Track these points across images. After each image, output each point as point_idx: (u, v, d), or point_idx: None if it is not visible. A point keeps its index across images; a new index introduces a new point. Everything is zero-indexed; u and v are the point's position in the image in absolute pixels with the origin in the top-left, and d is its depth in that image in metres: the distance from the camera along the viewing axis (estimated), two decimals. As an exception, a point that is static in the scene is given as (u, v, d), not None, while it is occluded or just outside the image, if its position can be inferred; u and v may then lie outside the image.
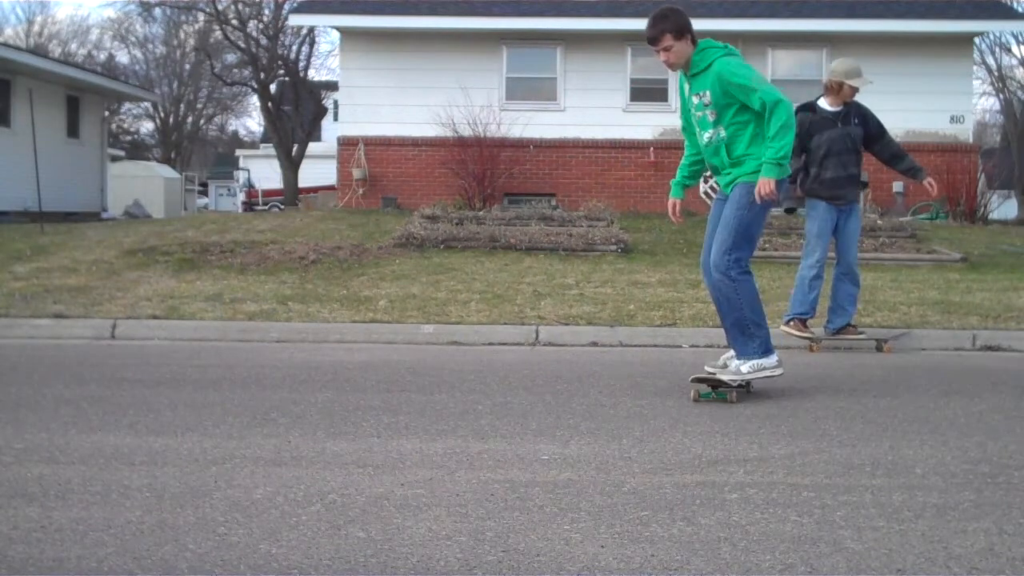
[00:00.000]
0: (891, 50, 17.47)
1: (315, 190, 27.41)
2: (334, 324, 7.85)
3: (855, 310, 7.44)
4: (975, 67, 28.17)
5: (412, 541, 3.10)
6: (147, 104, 40.83)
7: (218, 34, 34.94)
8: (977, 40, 23.72)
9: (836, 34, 17.68)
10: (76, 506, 3.42)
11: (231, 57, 36.28)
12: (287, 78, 32.49)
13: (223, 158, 48.84)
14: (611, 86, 17.95)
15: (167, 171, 25.44)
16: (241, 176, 38.55)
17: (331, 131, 28.98)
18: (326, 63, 56.37)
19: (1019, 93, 37.98)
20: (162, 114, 44.13)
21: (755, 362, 5.33)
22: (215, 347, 7.33)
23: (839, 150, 7.21)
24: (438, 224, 13.12)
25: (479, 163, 16.84)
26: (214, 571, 2.86)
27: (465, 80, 17.23)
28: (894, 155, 7.46)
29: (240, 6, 31.49)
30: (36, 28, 44.52)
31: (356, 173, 18.03)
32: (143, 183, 22.61)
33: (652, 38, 5.28)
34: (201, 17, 36.15)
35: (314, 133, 33.77)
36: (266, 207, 32.30)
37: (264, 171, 37.55)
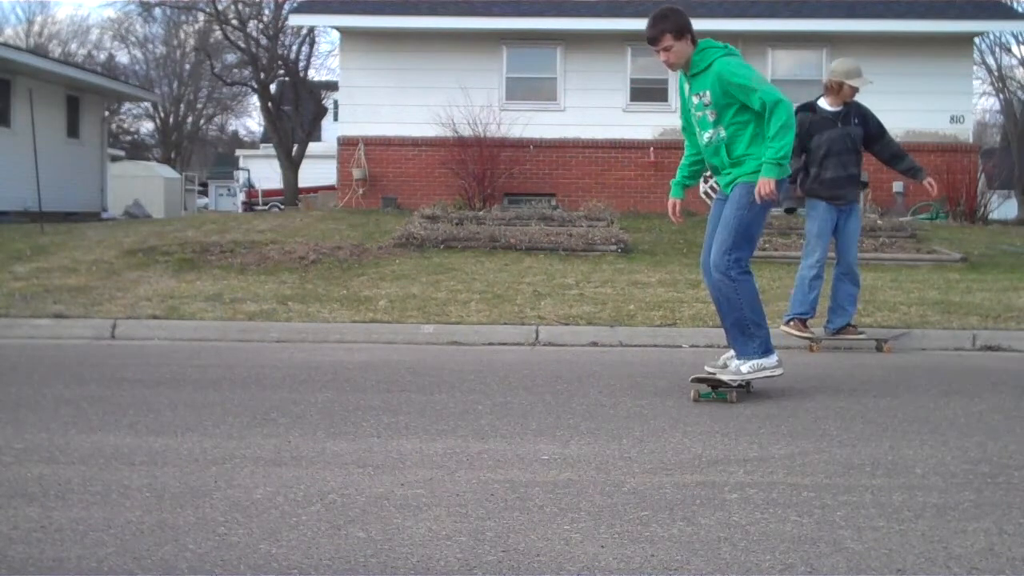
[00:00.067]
0: (891, 50, 17.47)
1: (315, 190, 27.41)
2: (334, 324, 7.85)
3: (855, 310, 7.44)
4: (975, 67, 28.19)
5: (412, 541, 3.10)
6: (147, 104, 40.84)
7: (218, 34, 34.97)
8: (977, 40, 23.73)
9: (836, 34, 17.68)
10: (76, 506, 3.42)
11: (231, 57, 36.31)
12: (287, 78, 32.49)
13: (223, 158, 48.85)
14: (611, 86, 17.95)
15: (167, 171, 25.45)
16: (241, 176, 38.55)
17: (331, 131, 28.99)
18: (326, 63, 56.43)
19: (1019, 93, 37.99)
20: (162, 114, 44.14)
21: (755, 362, 5.33)
22: (215, 347, 7.33)
23: (839, 150, 7.21)
24: (438, 224, 13.12)
25: (479, 163, 16.84)
26: (214, 571, 2.86)
27: (465, 80, 17.23)
28: (894, 155, 7.46)
29: (240, 6, 31.51)
30: (36, 28, 44.59)
31: (356, 173, 18.03)
32: (143, 183, 22.61)
33: (652, 38, 5.27)
34: (201, 17, 36.20)
35: (314, 133, 33.78)
36: (266, 207, 32.30)
37: (264, 171, 37.55)
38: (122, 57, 45.33)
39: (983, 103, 46.67)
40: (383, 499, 3.52)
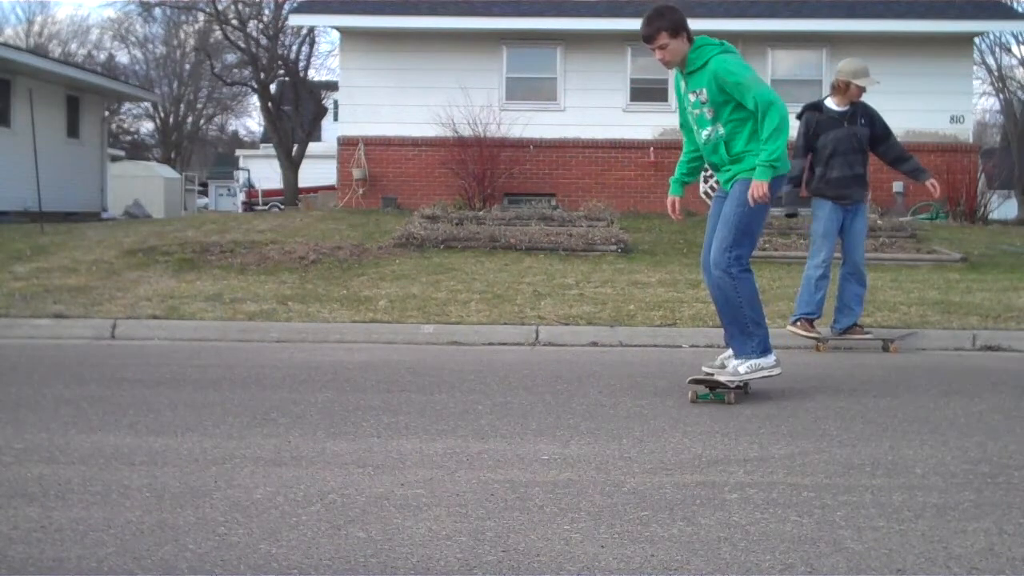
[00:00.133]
0: (891, 50, 17.46)
1: (315, 190, 27.41)
2: (334, 324, 7.85)
3: (862, 310, 7.42)
4: (975, 67, 28.19)
5: (412, 541, 3.10)
6: (147, 104, 40.85)
7: (218, 34, 34.97)
8: (977, 40, 23.73)
9: (836, 34, 17.68)
10: (76, 506, 3.42)
11: (231, 57, 36.31)
12: (287, 78, 32.49)
13: (223, 158, 48.85)
14: (611, 86, 17.95)
15: (167, 171, 25.45)
16: (241, 176, 38.55)
17: (331, 131, 28.99)
18: (326, 63, 56.45)
19: (1019, 93, 38.00)
20: (162, 114, 44.14)
21: (753, 362, 5.32)
22: (215, 347, 7.33)
23: (845, 150, 7.21)
24: (438, 224, 13.12)
25: (479, 163, 16.84)
26: (214, 571, 2.86)
27: (465, 80, 17.23)
28: (898, 156, 7.46)
29: (240, 6, 31.51)
30: (36, 28, 44.59)
31: (356, 173, 18.04)
32: (143, 183, 22.62)
33: (648, 36, 5.26)
34: (201, 17, 36.20)
35: (314, 133, 33.78)
36: (266, 207, 32.31)
37: (264, 171, 37.56)
38: (122, 57, 45.41)
39: (983, 103, 46.75)
40: (383, 499, 3.52)
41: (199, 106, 46.61)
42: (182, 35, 42.12)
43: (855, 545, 3.09)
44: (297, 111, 31.65)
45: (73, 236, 13.14)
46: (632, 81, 18.04)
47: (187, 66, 43.55)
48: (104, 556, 2.96)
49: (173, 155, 42.80)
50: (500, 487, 3.67)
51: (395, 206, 17.30)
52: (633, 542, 3.11)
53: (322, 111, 33.43)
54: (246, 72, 34.34)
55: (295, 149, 31.39)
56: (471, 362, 6.64)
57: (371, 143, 18.14)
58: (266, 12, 32.24)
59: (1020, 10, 28.75)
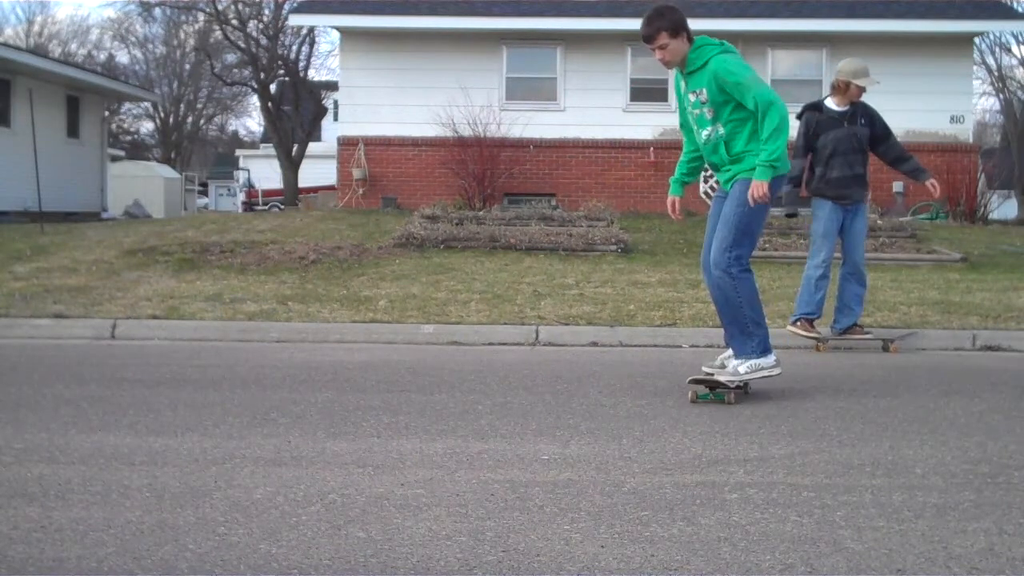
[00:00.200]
0: (891, 50, 17.46)
1: (315, 190, 27.41)
2: (334, 324, 7.85)
3: (861, 310, 7.42)
4: (975, 67, 28.19)
5: (412, 541, 3.10)
6: (147, 104, 40.84)
7: (218, 34, 34.97)
8: (977, 40, 23.73)
9: (836, 34, 17.68)
10: (76, 506, 3.42)
11: (231, 57, 36.32)
12: (287, 78, 32.50)
13: (223, 158, 48.85)
14: (611, 86, 17.95)
15: (167, 171, 25.45)
16: (241, 176, 38.55)
17: (331, 131, 28.99)
18: (326, 63, 56.44)
19: (1019, 93, 37.99)
20: (162, 114, 44.15)
21: (753, 362, 5.32)
22: (215, 347, 7.33)
23: (845, 150, 7.21)
24: (438, 224, 13.12)
25: (479, 163, 16.84)
26: (214, 571, 2.86)
27: (465, 80, 17.23)
28: (898, 156, 7.46)
29: (240, 6, 31.51)
30: (36, 28, 44.60)
31: (356, 173, 18.04)
32: (143, 183, 22.62)
33: (648, 36, 5.26)
34: (201, 17, 36.19)
35: (314, 133, 33.78)
36: (266, 207, 32.31)
37: (264, 171, 37.56)
38: (122, 57, 45.42)
39: (983, 103, 46.74)
40: (383, 499, 3.52)
41: (199, 106, 46.63)
42: (182, 35, 42.18)
43: (855, 545, 3.09)
44: (297, 111, 31.65)
45: (73, 236, 13.14)
46: (632, 81, 18.04)
47: (187, 66, 43.57)
48: (104, 556, 2.96)
49: (173, 155, 42.80)
50: (500, 487, 3.67)
51: (395, 206, 17.30)
52: (633, 542, 3.11)
53: (322, 111, 33.43)
54: (246, 72, 34.35)
55: (295, 149, 31.40)
56: (471, 362, 6.64)
57: (371, 143, 18.14)
58: (266, 12, 32.28)
59: (1020, 10, 28.76)
